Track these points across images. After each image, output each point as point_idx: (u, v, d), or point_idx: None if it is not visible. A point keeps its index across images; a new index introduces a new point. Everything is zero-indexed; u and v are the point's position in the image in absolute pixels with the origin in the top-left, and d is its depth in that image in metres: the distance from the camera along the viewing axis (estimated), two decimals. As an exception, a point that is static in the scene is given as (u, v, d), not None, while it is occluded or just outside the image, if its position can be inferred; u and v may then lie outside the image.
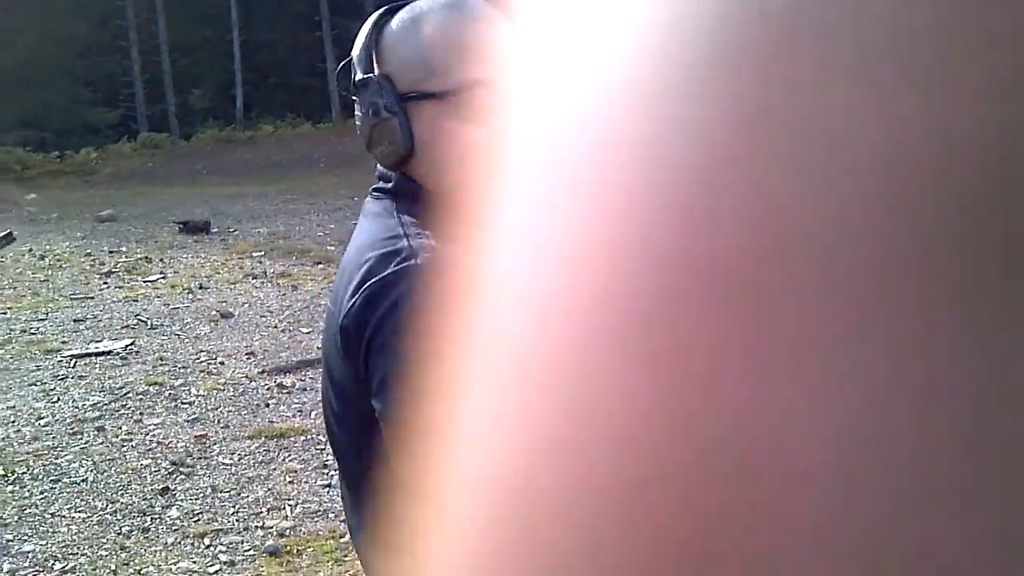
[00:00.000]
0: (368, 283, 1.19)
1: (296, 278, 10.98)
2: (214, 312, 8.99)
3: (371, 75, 1.27)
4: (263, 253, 13.35)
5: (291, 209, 20.17)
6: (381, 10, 1.32)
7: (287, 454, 5.15)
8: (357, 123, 1.33)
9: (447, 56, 1.25)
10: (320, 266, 11.94)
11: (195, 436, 5.47)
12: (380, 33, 1.30)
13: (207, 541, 4.10)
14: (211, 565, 3.87)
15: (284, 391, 6.33)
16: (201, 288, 10.49)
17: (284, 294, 9.96)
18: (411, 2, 1.31)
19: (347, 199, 21.94)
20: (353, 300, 1.20)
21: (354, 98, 1.32)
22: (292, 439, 5.37)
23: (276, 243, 14.57)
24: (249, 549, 4.01)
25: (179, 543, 4.10)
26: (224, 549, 4.02)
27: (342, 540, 4.07)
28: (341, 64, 1.39)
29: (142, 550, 4.04)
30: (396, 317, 1.14)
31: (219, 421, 5.75)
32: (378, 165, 1.38)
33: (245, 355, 7.31)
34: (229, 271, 11.79)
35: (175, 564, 3.89)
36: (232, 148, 32.27)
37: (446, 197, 1.26)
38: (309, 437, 5.40)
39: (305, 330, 8.17)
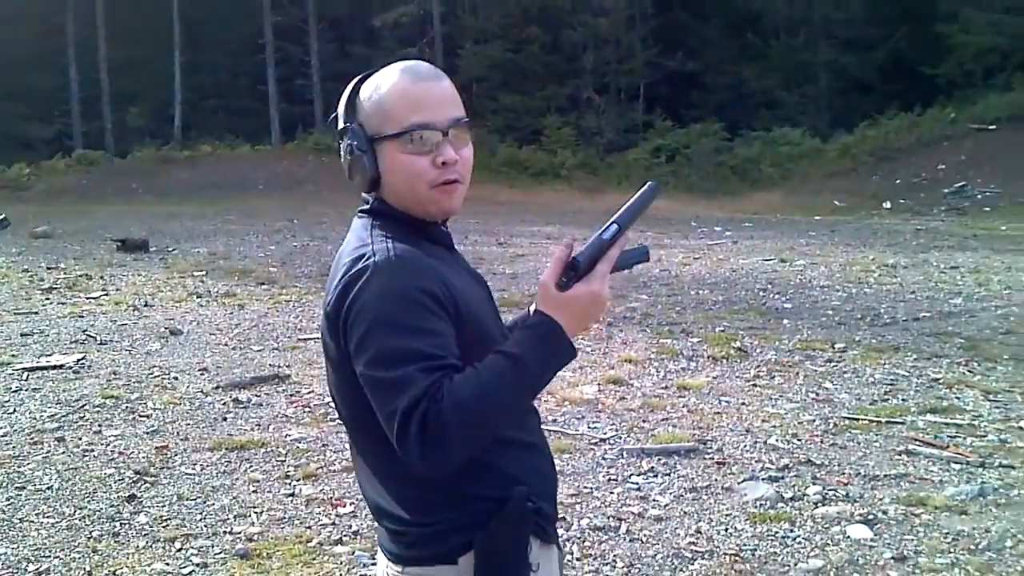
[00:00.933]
0: (342, 279, 1.59)
1: (241, 298, 11.08)
2: (163, 329, 9.08)
3: (348, 123, 1.69)
4: (204, 273, 13.40)
5: (230, 230, 20.16)
6: (360, 76, 1.73)
7: (248, 465, 5.32)
8: (341, 160, 1.72)
9: (399, 107, 1.64)
10: (264, 287, 12.05)
11: (156, 447, 5.60)
12: (356, 92, 1.71)
13: (178, 545, 4.26)
14: (184, 567, 4.03)
15: (240, 406, 6.48)
16: (146, 306, 10.55)
17: (231, 313, 10.06)
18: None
19: (286, 221, 22.04)
20: (333, 293, 1.60)
21: (338, 142, 1.72)
22: (252, 451, 5.54)
23: (217, 263, 14.61)
24: (220, 552, 4.18)
25: (150, 546, 4.24)
26: (195, 552, 4.18)
27: (309, 544, 4.26)
28: (331, 118, 1.79)
29: (114, 553, 4.18)
30: (360, 300, 1.54)
31: (178, 433, 5.89)
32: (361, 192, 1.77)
33: (198, 371, 7.44)
34: (172, 290, 11.84)
35: (148, 566, 4.04)
36: (169, 167, 32.05)
37: (405, 212, 1.70)
38: (269, 449, 5.57)
39: (256, 348, 8.31)
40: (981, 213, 21.38)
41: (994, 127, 27.22)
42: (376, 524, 1.74)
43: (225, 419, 6.20)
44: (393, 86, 1.66)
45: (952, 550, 4.07)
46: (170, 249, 16.47)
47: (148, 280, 12.71)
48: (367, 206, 1.73)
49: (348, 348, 1.56)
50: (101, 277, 13.00)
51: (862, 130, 30.45)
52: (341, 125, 1.70)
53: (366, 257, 1.58)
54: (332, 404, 1.77)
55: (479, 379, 1.48)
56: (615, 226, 1.63)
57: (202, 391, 6.85)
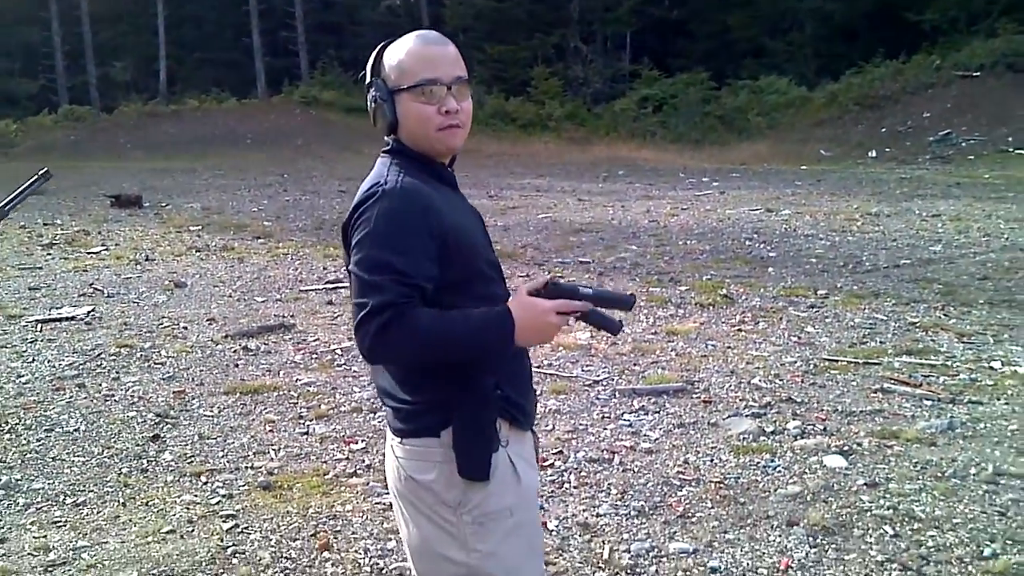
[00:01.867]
0: (357, 199, 2.01)
1: (240, 252, 11.33)
2: (167, 282, 9.35)
3: (374, 79, 2.09)
4: (201, 227, 13.62)
5: (221, 185, 20.32)
6: (384, 42, 2.13)
7: (263, 407, 5.63)
8: (368, 109, 2.11)
9: (413, 65, 2.04)
10: (260, 240, 12.29)
11: (173, 392, 5.90)
12: (381, 55, 2.10)
13: (203, 479, 4.57)
14: (211, 498, 4.35)
15: (250, 353, 6.78)
16: (147, 260, 10.79)
17: (231, 266, 10.33)
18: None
19: (277, 176, 22.19)
20: (351, 212, 2.01)
21: (366, 95, 2.12)
22: (265, 395, 5.85)
23: (211, 218, 14.83)
24: (243, 485, 4.49)
25: (178, 480, 4.56)
26: (220, 485, 4.49)
27: (326, 477, 4.58)
28: (359, 76, 2.17)
29: (144, 486, 4.49)
30: (365, 215, 1.95)
31: (193, 379, 6.20)
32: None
33: (206, 321, 7.73)
34: (171, 244, 12.08)
35: (179, 497, 4.35)
36: (156, 122, 32.02)
37: (418, 151, 2.09)
38: (281, 393, 5.88)
39: (260, 299, 8.59)
40: (965, 161, 21.68)
41: (978, 74, 27.43)
42: (385, 407, 2.13)
43: (237, 366, 6.50)
44: (409, 48, 2.06)
45: (920, 477, 4.41)
46: (164, 204, 16.67)
47: (145, 235, 12.93)
48: (387, 147, 2.12)
49: (349, 251, 1.99)
50: (99, 232, 13.22)
51: (848, 78, 30.61)
52: (368, 81, 2.10)
53: (380, 184, 1.99)
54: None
55: (437, 319, 1.90)
56: (591, 290, 2.06)
57: (212, 340, 7.14)
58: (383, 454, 4.75)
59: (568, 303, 2.00)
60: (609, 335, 2.23)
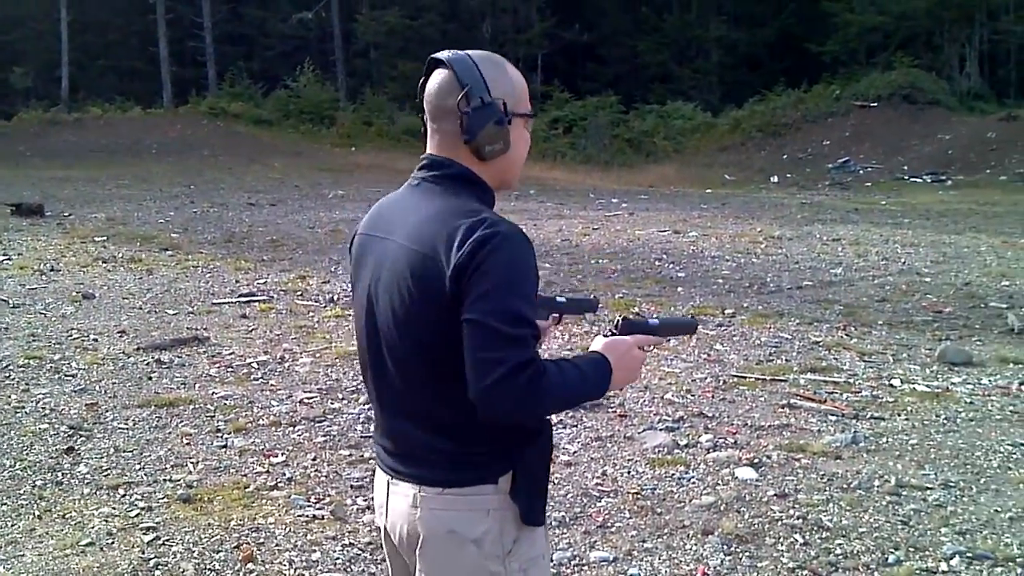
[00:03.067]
0: (472, 236, 1.75)
1: (147, 263, 11.14)
2: (74, 293, 9.15)
3: (495, 98, 1.86)
4: (106, 238, 13.32)
5: (125, 195, 19.88)
6: (460, 53, 1.93)
7: (179, 420, 5.58)
8: (471, 126, 1.86)
9: (524, 92, 1.95)
10: (168, 252, 12.09)
11: (86, 404, 5.80)
12: (479, 69, 1.88)
13: (121, 491, 4.52)
14: (130, 510, 4.30)
15: (163, 366, 6.70)
16: (53, 271, 10.55)
17: (140, 278, 10.16)
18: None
19: (183, 187, 21.80)
20: (461, 251, 1.74)
21: (467, 110, 1.86)
22: (181, 408, 5.79)
23: (117, 229, 14.51)
24: (162, 497, 4.45)
25: (95, 493, 4.50)
26: (139, 498, 4.44)
27: (247, 490, 4.57)
28: (447, 88, 1.90)
29: (60, 499, 4.42)
30: (493, 260, 1.73)
31: (106, 392, 6.10)
32: (433, 153, 1.95)
33: (117, 333, 7.60)
34: (76, 255, 11.80)
35: (96, 510, 4.29)
36: (58, 130, 31.12)
37: (489, 183, 1.93)
38: (197, 406, 5.83)
39: (171, 311, 8.48)
40: (863, 188, 22.47)
41: (876, 104, 28.50)
42: (412, 456, 1.93)
43: (150, 378, 6.41)
44: (516, 74, 1.95)
45: (827, 488, 4.60)
46: (67, 214, 16.24)
47: (49, 245, 12.61)
48: (450, 170, 1.91)
49: (462, 295, 1.73)
50: (0, 242, 12.84)
51: (751, 105, 31.50)
52: (480, 96, 1.85)
53: (490, 224, 1.76)
54: (371, 344, 1.94)
55: (560, 374, 1.77)
56: (658, 321, 2.08)
57: (123, 352, 7.03)
58: (304, 467, 4.80)
59: (646, 338, 2.01)
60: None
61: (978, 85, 31.59)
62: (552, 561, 3.84)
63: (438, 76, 1.92)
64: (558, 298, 2.27)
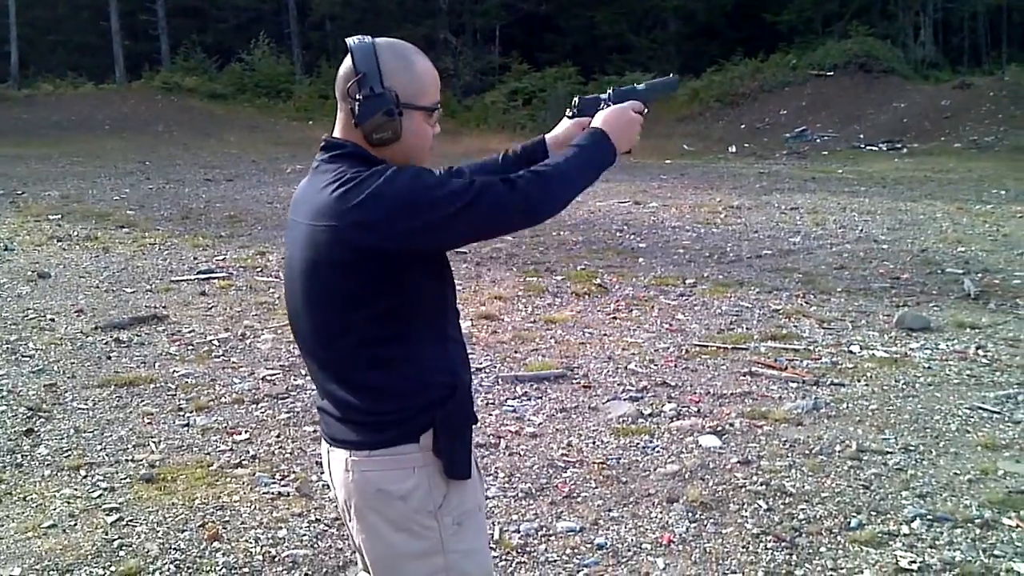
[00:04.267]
0: (354, 189, 1.85)
1: (104, 241, 10.98)
2: (30, 272, 9.01)
3: (384, 87, 1.93)
4: (61, 216, 13.10)
5: (79, 172, 19.56)
6: (366, 39, 1.99)
7: (140, 400, 5.52)
8: (361, 111, 1.93)
9: (430, 86, 2.02)
10: (125, 230, 11.92)
11: (44, 385, 5.72)
12: (376, 56, 1.95)
13: (83, 472, 4.47)
14: (92, 491, 4.25)
15: (123, 345, 6.62)
16: (7, 250, 10.36)
17: (97, 256, 10.01)
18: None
19: (137, 163, 21.49)
20: (345, 202, 1.85)
21: (359, 95, 1.94)
22: (142, 387, 5.73)
23: (71, 206, 14.27)
24: (125, 478, 4.41)
25: (56, 475, 4.44)
26: (101, 478, 4.40)
27: (211, 468, 4.54)
28: (346, 70, 1.99)
29: (20, 481, 4.36)
30: (388, 189, 1.84)
31: (65, 372, 6.02)
32: (331, 135, 2.04)
33: (74, 313, 7.49)
34: (30, 233, 11.60)
35: (57, 491, 4.24)
36: (7, 107, 30.51)
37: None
38: (158, 385, 5.77)
39: (129, 290, 8.37)
40: (820, 157, 22.61)
41: (831, 74, 28.66)
42: (341, 423, 2.01)
43: (109, 358, 6.33)
44: (424, 65, 2.01)
45: (789, 454, 4.65)
46: (19, 192, 15.95)
47: (2, 224, 12.38)
48: (344, 149, 1.98)
49: (386, 232, 1.82)
50: (-50, 220, 12.60)
51: (709, 75, 31.55)
52: (377, 89, 1.93)
53: (369, 172, 1.87)
54: (311, 321, 2.00)
55: (544, 164, 2.02)
56: (643, 86, 2.37)
57: (82, 332, 6.93)
58: (268, 444, 4.77)
59: (635, 103, 2.24)
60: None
61: (932, 53, 31.89)
62: (519, 532, 3.86)
63: (345, 61, 2.00)
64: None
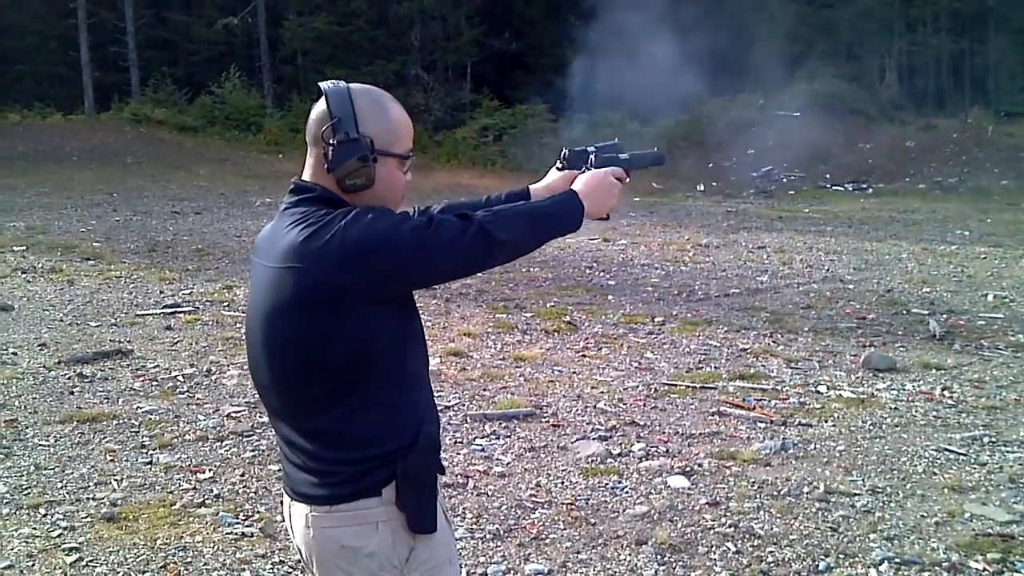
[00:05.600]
0: (322, 234, 1.82)
1: (69, 274, 10.86)
2: (-8, 305, 8.87)
3: (361, 134, 1.92)
4: (25, 248, 12.95)
5: (46, 203, 19.38)
6: (340, 83, 1.97)
7: (102, 436, 5.43)
8: (335, 155, 1.91)
9: (404, 134, 2.02)
10: (90, 262, 11.79)
11: (5, 420, 5.62)
12: (351, 101, 1.93)
13: (42, 511, 4.38)
14: (52, 530, 4.17)
15: (86, 380, 6.52)
16: (-31, 281, 10.20)
17: (61, 289, 9.89)
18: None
19: (105, 195, 21.33)
20: (321, 246, 1.82)
21: (333, 141, 1.91)
22: (104, 423, 5.64)
23: (36, 238, 14.11)
24: (86, 516, 4.32)
25: (14, 513, 4.35)
26: (61, 517, 4.31)
27: (173, 508, 4.46)
28: (319, 111, 1.97)
29: (-23, 521, 4.28)
30: (344, 225, 1.82)
31: (26, 407, 5.91)
32: (300, 179, 2.02)
33: (37, 346, 7.38)
34: (-7, 265, 11.44)
35: (16, 530, 4.15)
36: (-26, 137, 30.29)
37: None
38: (121, 421, 5.68)
39: (93, 323, 8.27)
40: (787, 196, 22.85)
41: (798, 114, 28.99)
42: (302, 475, 1.95)
43: (72, 393, 6.24)
44: (398, 114, 2.01)
45: (758, 496, 4.64)
46: (-17, 222, 15.79)
47: (-35, 255, 12.22)
48: (313, 193, 1.95)
49: (351, 273, 1.80)
50: (-88, 252, 12.41)
51: (677, 115, 31.80)
52: (347, 131, 1.91)
53: (336, 215, 1.85)
54: (270, 367, 1.94)
55: (514, 208, 2.07)
56: (627, 155, 2.38)
57: (44, 366, 6.83)
58: (232, 483, 4.70)
59: (616, 169, 2.27)
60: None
61: (897, 95, 32.38)
62: (486, 574, 3.82)
63: (317, 104, 1.98)
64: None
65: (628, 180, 2.30)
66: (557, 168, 2.42)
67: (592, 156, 2.32)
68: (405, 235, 1.83)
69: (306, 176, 2.01)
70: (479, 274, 8.32)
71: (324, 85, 1.98)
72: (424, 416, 1.99)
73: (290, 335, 1.89)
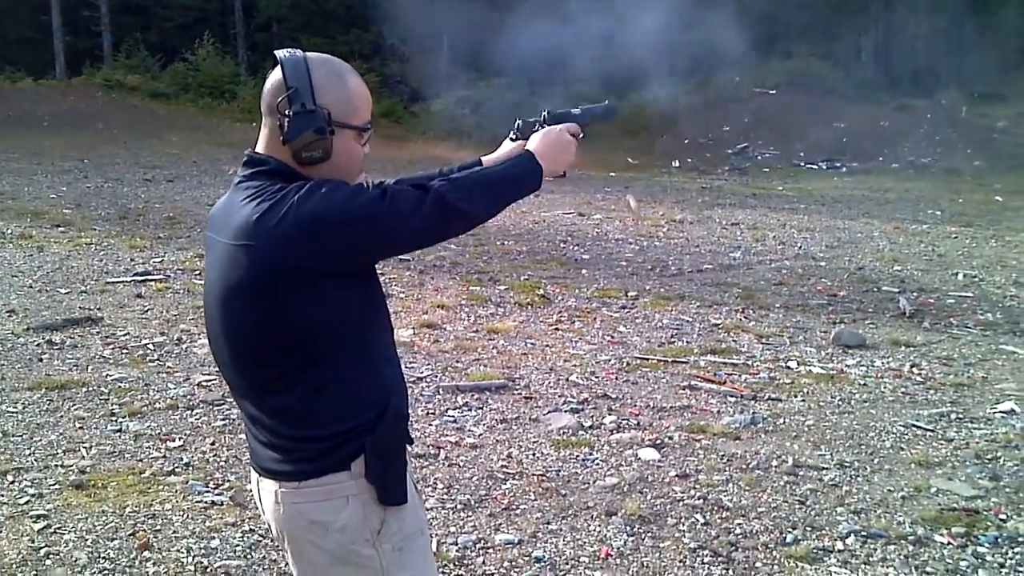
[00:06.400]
0: (276, 212, 1.78)
1: (38, 240, 10.73)
2: (-41, 271, 8.76)
3: (316, 105, 1.86)
4: (-7, 213, 12.78)
5: (15, 168, 19.14)
6: (298, 53, 1.92)
7: (71, 404, 5.39)
8: (291, 128, 1.86)
9: (362, 106, 1.96)
10: (60, 229, 11.66)
11: (-28, 387, 5.58)
12: (308, 72, 1.88)
13: (10, 478, 4.35)
14: (20, 497, 4.14)
15: (55, 347, 6.47)
16: (-64, 247, 10.07)
17: (31, 255, 9.78)
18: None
19: (76, 161, 21.09)
20: (277, 223, 1.77)
21: (289, 110, 1.86)
22: (74, 390, 5.60)
23: (6, 203, 13.95)
24: (54, 484, 4.30)
25: (-19, 480, 4.33)
26: (29, 484, 4.29)
27: (143, 476, 4.44)
28: (274, 81, 1.92)
29: (-57, 487, 4.24)
30: (313, 209, 1.77)
31: (-7, 374, 5.87)
32: (255, 151, 1.97)
33: (6, 313, 7.31)
34: (-39, 230, 11.30)
35: (-18, 497, 4.14)
36: (-59, 100, 29.82)
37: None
38: (91, 388, 5.64)
39: (63, 291, 8.19)
40: (761, 173, 22.91)
41: (774, 92, 29.06)
42: (269, 452, 1.94)
43: (41, 360, 6.18)
44: (357, 85, 1.95)
45: (727, 468, 4.68)
46: (-50, 188, 15.58)
47: (-69, 219, 12.07)
48: (267, 166, 1.91)
49: (306, 249, 1.76)
50: None
51: (654, 89, 31.75)
52: (303, 102, 1.86)
53: (289, 190, 1.80)
54: (230, 346, 1.92)
55: (473, 173, 2.02)
56: (579, 110, 2.33)
57: (13, 332, 6.76)
58: (203, 451, 4.69)
59: (570, 125, 2.22)
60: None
61: (873, 74, 32.48)
62: (457, 544, 3.84)
63: (273, 73, 1.93)
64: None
65: (583, 135, 2.26)
66: (510, 139, 2.37)
67: (544, 114, 2.28)
68: (360, 208, 1.78)
69: (260, 148, 1.96)
70: (452, 245, 8.30)
71: (280, 54, 1.92)
72: (390, 388, 1.96)
73: (248, 315, 1.86)
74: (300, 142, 1.86)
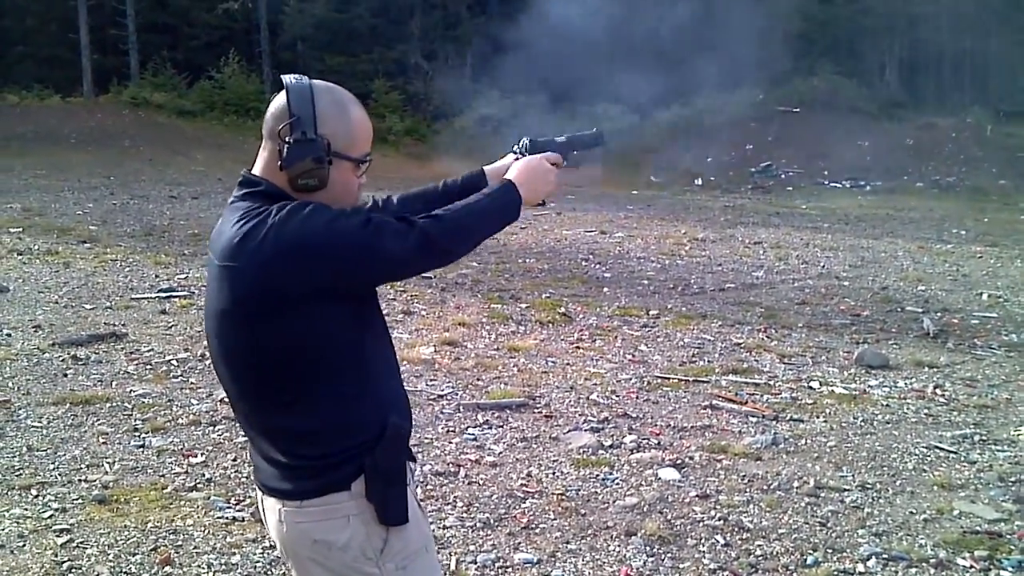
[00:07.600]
0: (263, 232, 1.79)
1: (65, 256, 10.85)
2: (-13, 286, 8.86)
3: (318, 135, 1.88)
4: (21, 229, 12.93)
5: (43, 185, 19.35)
6: (303, 80, 1.93)
7: (95, 419, 5.44)
8: (289, 154, 1.88)
9: (363, 138, 1.97)
10: (86, 245, 11.78)
11: (-2, 402, 5.63)
12: (312, 100, 1.90)
13: (34, 492, 4.39)
14: (43, 512, 4.18)
15: (80, 362, 6.53)
16: (-36, 262, 10.19)
17: (57, 271, 9.88)
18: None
19: (103, 177, 21.30)
20: (259, 246, 1.79)
21: (290, 138, 1.88)
22: (98, 406, 5.65)
23: (33, 220, 14.09)
24: (77, 498, 4.34)
25: (6, 494, 4.36)
26: (53, 498, 4.32)
27: (165, 491, 4.47)
28: (277, 107, 1.93)
29: (-31, 501, 4.28)
30: (294, 226, 1.79)
31: (19, 389, 5.92)
32: (250, 172, 1.99)
33: (32, 328, 7.38)
34: (-11, 246, 11.43)
35: (7, 511, 4.16)
36: (-28, 117, 30.19)
37: None
38: (115, 404, 5.69)
39: (88, 306, 8.27)
40: (784, 192, 22.85)
41: (798, 110, 29.01)
42: (271, 471, 1.95)
43: (66, 375, 6.24)
44: (360, 117, 1.97)
45: (748, 489, 4.66)
46: (-20, 204, 15.76)
47: (-39, 235, 12.21)
48: (258, 187, 1.93)
49: (284, 272, 1.78)
50: (-92, 231, 12.40)
51: (677, 108, 31.77)
52: (309, 135, 1.88)
53: (271, 211, 1.81)
54: (227, 368, 1.94)
55: (449, 208, 1.98)
56: (564, 138, 2.33)
57: (39, 348, 6.83)
58: (224, 467, 4.71)
59: (551, 155, 2.21)
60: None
61: (897, 93, 32.36)
62: (476, 563, 3.84)
63: (277, 98, 1.94)
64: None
65: (565, 164, 2.27)
66: (516, 157, 2.35)
67: (525, 141, 2.29)
68: (339, 235, 1.80)
69: (257, 170, 1.97)
70: (473, 263, 8.32)
71: (287, 79, 1.94)
72: (390, 406, 1.97)
73: (239, 337, 1.88)
74: (297, 169, 1.88)
